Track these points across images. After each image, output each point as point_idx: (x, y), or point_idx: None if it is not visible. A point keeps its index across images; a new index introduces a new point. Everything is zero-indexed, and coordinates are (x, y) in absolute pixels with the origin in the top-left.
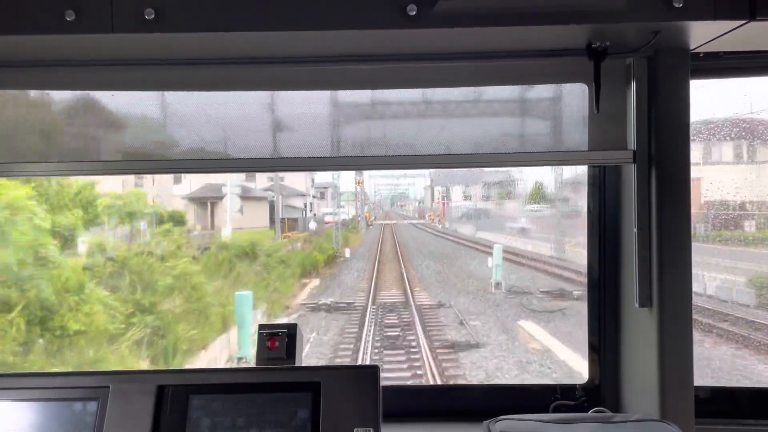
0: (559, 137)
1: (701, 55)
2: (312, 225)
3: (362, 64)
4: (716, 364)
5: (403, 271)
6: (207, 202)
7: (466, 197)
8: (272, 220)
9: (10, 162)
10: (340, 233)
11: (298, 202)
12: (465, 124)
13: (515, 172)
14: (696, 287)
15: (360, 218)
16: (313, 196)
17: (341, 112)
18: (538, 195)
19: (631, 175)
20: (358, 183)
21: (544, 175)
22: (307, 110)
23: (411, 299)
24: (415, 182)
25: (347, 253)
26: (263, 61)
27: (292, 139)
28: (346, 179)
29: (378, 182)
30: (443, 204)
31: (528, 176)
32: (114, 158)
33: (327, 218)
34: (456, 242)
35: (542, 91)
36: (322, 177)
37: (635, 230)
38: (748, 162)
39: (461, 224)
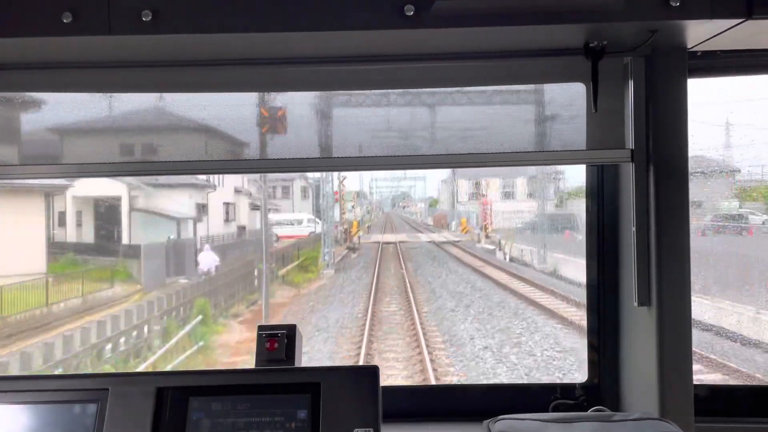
0: (557, 136)
1: (699, 53)
2: (207, 261)
3: (360, 64)
4: None
5: None
6: None
7: (506, 195)
8: (101, 249)
9: (10, 165)
10: None
11: (182, 203)
12: (462, 123)
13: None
14: None
15: (325, 243)
16: (238, 191)
17: (339, 112)
18: None
19: (629, 173)
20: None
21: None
22: (303, 111)
23: None
24: (426, 176)
25: None
26: (260, 62)
27: (286, 140)
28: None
29: (375, 175)
30: (485, 205)
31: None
32: (108, 160)
33: (282, 231)
34: None
35: (540, 90)
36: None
37: (634, 229)
38: None
39: (547, 248)
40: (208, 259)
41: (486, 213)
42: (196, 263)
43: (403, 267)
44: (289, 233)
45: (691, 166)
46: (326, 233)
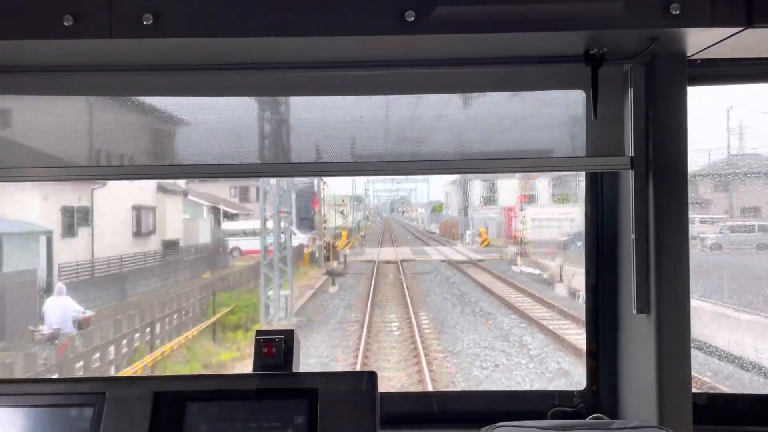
0: (556, 143)
1: (698, 61)
2: (57, 313)
3: (361, 69)
4: None
5: None
6: None
7: (530, 200)
8: None
9: (14, 167)
10: None
11: (29, 207)
12: (462, 129)
13: None
14: None
15: (266, 284)
16: (164, 189)
17: (339, 117)
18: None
19: (628, 181)
20: None
21: None
22: (305, 115)
23: None
24: (429, 177)
25: None
26: (261, 66)
27: (287, 143)
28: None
29: (372, 176)
30: (513, 213)
31: None
32: (105, 164)
33: (245, 244)
34: None
35: (540, 97)
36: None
37: (633, 236)
38: None
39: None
40: (59, 310)
41: (513, 222)
42: (41, 316)
43: (416, 328)
44: (254, 247)
45: (747, 165)
46: (272, 262)
